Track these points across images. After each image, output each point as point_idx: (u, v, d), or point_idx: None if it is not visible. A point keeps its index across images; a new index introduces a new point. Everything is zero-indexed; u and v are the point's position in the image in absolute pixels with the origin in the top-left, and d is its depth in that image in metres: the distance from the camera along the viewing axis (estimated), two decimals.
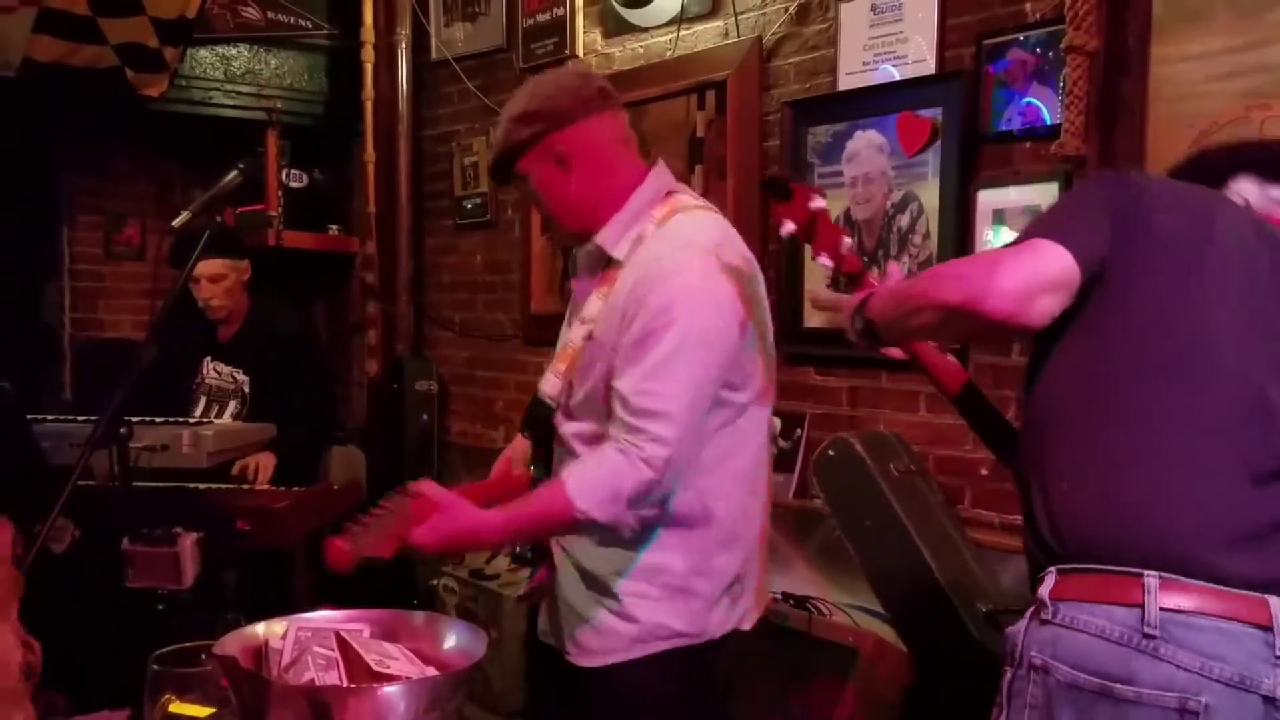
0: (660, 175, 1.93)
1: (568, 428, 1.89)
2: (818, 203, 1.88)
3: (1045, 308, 1.40)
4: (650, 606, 1.81)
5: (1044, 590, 1.39)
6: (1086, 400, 1.43)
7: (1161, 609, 1.29)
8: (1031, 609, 1.41)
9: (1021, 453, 1.53)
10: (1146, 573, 1.31)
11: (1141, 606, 1.30)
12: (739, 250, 1.85)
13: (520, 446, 2.06)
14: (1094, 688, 1.31)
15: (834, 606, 2.93)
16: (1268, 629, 1.29)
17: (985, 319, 1.38)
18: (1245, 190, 1.59)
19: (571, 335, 1.91)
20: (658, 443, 1.69)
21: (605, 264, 1.87)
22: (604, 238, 1.86)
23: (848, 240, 1.92)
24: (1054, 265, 1.39)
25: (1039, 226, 1.48)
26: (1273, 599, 1.30)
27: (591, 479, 1.71)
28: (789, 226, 1.91)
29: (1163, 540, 1.33)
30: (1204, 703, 1.27)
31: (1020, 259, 1.41)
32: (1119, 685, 1.30)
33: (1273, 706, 1.28)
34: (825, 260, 1.91)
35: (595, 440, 1.80)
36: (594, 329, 1.84)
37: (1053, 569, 1.40)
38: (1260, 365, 1.39)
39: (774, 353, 1.91)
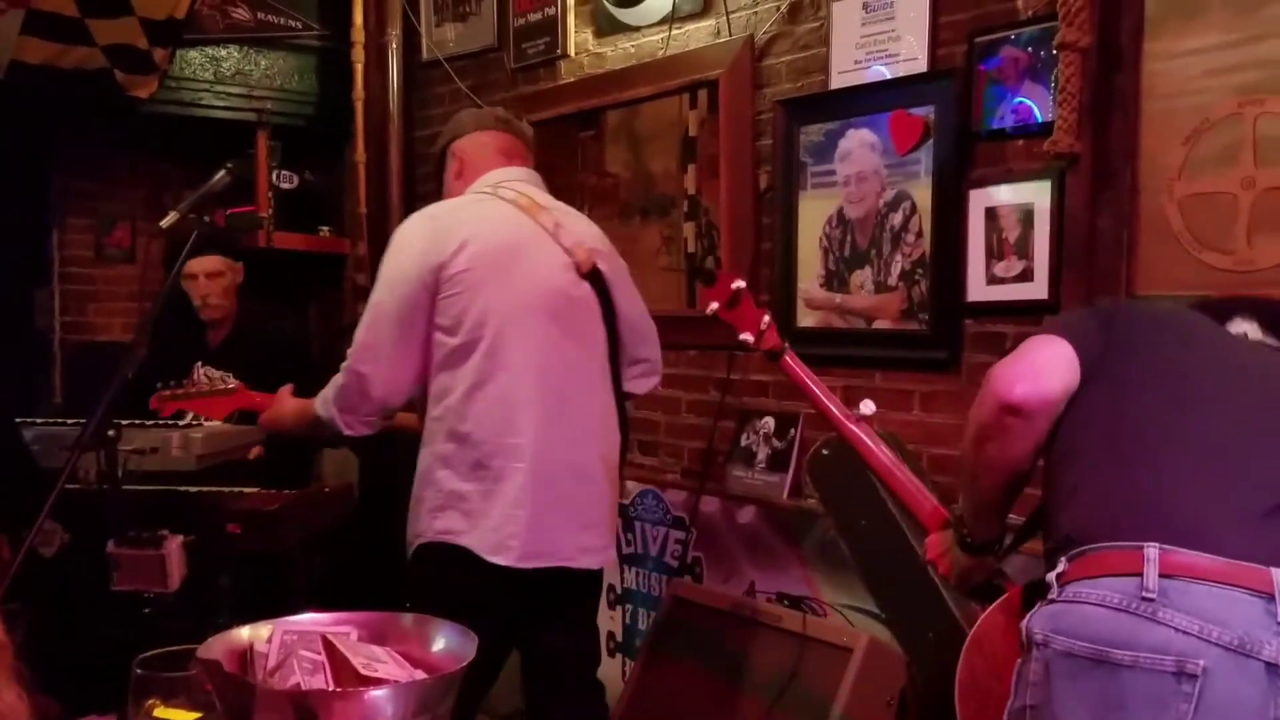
0: (498, 174, 2.45)
1: None
2: (738, 283, 2.29)
3: (1059, 382, 1.53)
4: (410, 511, 2.35)
5: (1051, 574, 1.42)
6: (1105, 433, 1.50)
7: (1161, 574, 1.30)
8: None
9: (1045, 490, 1.60)
10: (1147, 544, 1.33)
11: (1141, 575, 1.31)
12: (466, 225, 2.30)
13: None
14: (1089, 654, 1.32)
15: (829, 607, 2.92)
16: (1269, 597, 1.28)
17: (1016, 407, 1.51)
18: (1243, 328, 1.67)
19: None
20: (348, 359, 2.30)
21: None
22: None
23: (766, 318, 2.26)
24: (1052, 348, 1.55)
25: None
26: (1275, 570, 1.30)
27: (326, 386, 2.36)
28: (713, 306, 2.30)
29: (1166, 518, 1.36)
30: (1202, 665, 1.26)
31: (1018, 355, 1.57)
32: (1115, 650, 1.30)
33: (1275, 674, 1.26)
34: (747, 336, 2.25)
35: None
36: None
37: (1063, 558, 1.44)
38: (1255, 415, 1.48)
39: (506, 318, 2.26)
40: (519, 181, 2.45)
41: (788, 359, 2.21)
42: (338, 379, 2.33)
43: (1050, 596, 1.41)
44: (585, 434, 2.35)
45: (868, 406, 2.08)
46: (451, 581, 2.24)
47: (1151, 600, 1.29)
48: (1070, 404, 1.53)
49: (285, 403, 2.58)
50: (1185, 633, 1.27)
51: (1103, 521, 1.41)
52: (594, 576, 2.49)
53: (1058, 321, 1.71)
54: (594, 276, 2.40)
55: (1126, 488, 1.42)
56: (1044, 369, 1.53)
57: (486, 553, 2.23)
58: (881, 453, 2.11)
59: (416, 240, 2.29)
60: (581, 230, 2.47)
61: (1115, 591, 1.32)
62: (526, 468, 2.24)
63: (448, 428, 2.26)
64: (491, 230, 2.31)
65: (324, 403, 2.36)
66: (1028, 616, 1.44)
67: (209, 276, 3.48)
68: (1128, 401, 1.50)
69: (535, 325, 2.28)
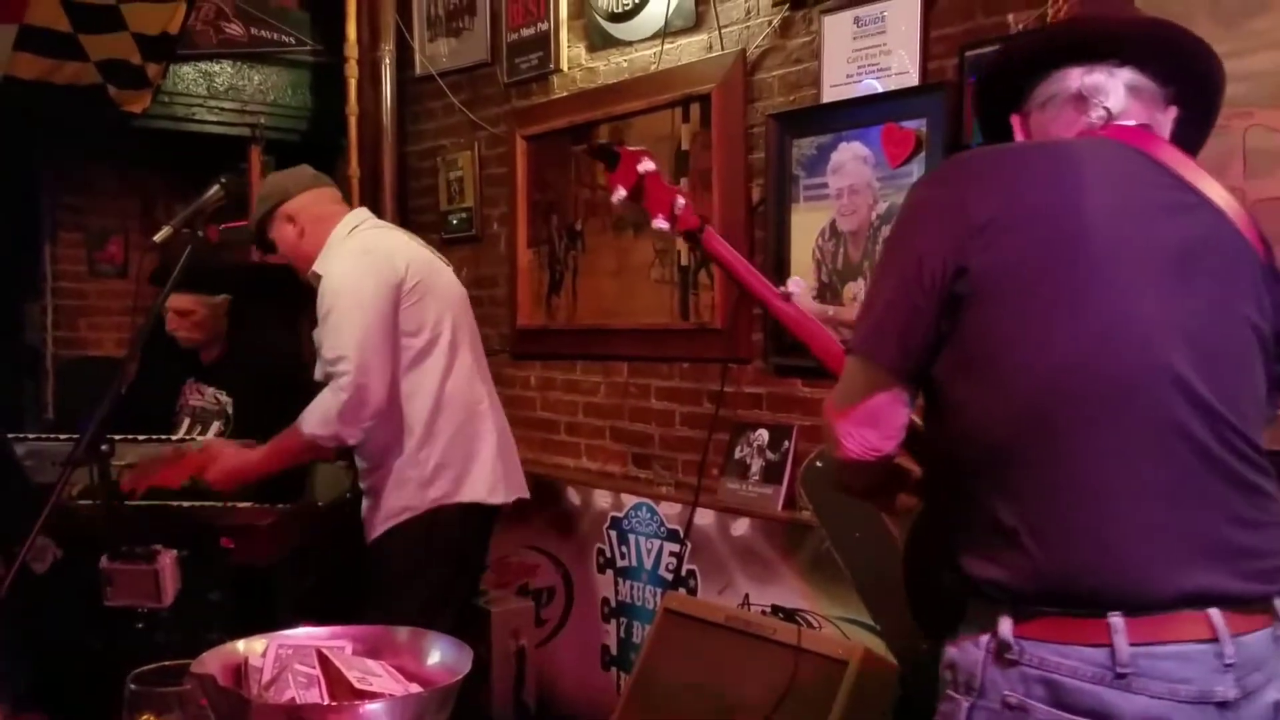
0: (353, 218, 2.91)
1: None
2: (646, 165, 1.98)
3: (889, 427, 1.54)
4: (387, 494, 2.79)
5: (1005, 630, 1.37)
6: (1014, 444, 1.39)
7: (1130, 644, 1.32)
8: (985, 642, 1.40)
9: (948, 487, 1.52)
10: (1110, 614, 1.33)
11: (1110, 646, 1.32)
12: (398, 250, 2.83)
13: None
14: None
15: (823, 619, 2.92)
16: (1214, 641, 1.33)
17: (864, 463, 1.54)
18: (1095, 84, 1.52)
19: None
20: (343, 375, 2.61)
21: (318, 280, 2.79)
22: (316, 265, 2.83)
23: (681, 200, 1.96)
24: (867, 389, 1.52)
25: (860, 320, 1.54)
26: (1212, 611, 1.33)
27: (311, 410, 2.67)
28: (620, 192, 1.99)
29: (1118, 579, 1.34)
30: None
31: (840, 403, 1.53)
32: None
33: (1224, 709, 1.34)
34: (660, 222, 1.96)
35: None
36: None
37: (1005, 612, 1.38)
38: (1176, 351, 1.36)
39: (453, 315, 2.87)
40: (375, 219, 3.01)
41: (708, 236, 1.97)
42: (334, 398, 2.63)
43: (1009, 656, 1.36)
44: (496, 397, 3.00)
45: (796, 285, 1.93)
46: (448, 536, 2.77)
47: (1126, 675, 1.32)
48: (956, 379, 1.47)
49: (242, 453, 2.80)
50: (1157, 697, 1.32)
51: (1050, 580, 1.36)
52: None
53: (883, 299, 1.49)
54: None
55: (1068, 541, 1.35)
56: (865, 424, 1.52)
57: (485, 496, 2.81)
58: (814, 324, 1.95)
59: (368, 268, 2.73)
60: (433, 251, 3.06)
61: (1087, 664, 1.33)
62: (491, 426, 2.88)
63: (423, 416, 2.76)
64: (413, 251, 2.87)
65: (323, 423, 2.65)
66: (978, 664, 1.40)
67: (179, 314, 3.46)
68: (1037, 390, 1.37)
69: (463, 319, 2.92)
